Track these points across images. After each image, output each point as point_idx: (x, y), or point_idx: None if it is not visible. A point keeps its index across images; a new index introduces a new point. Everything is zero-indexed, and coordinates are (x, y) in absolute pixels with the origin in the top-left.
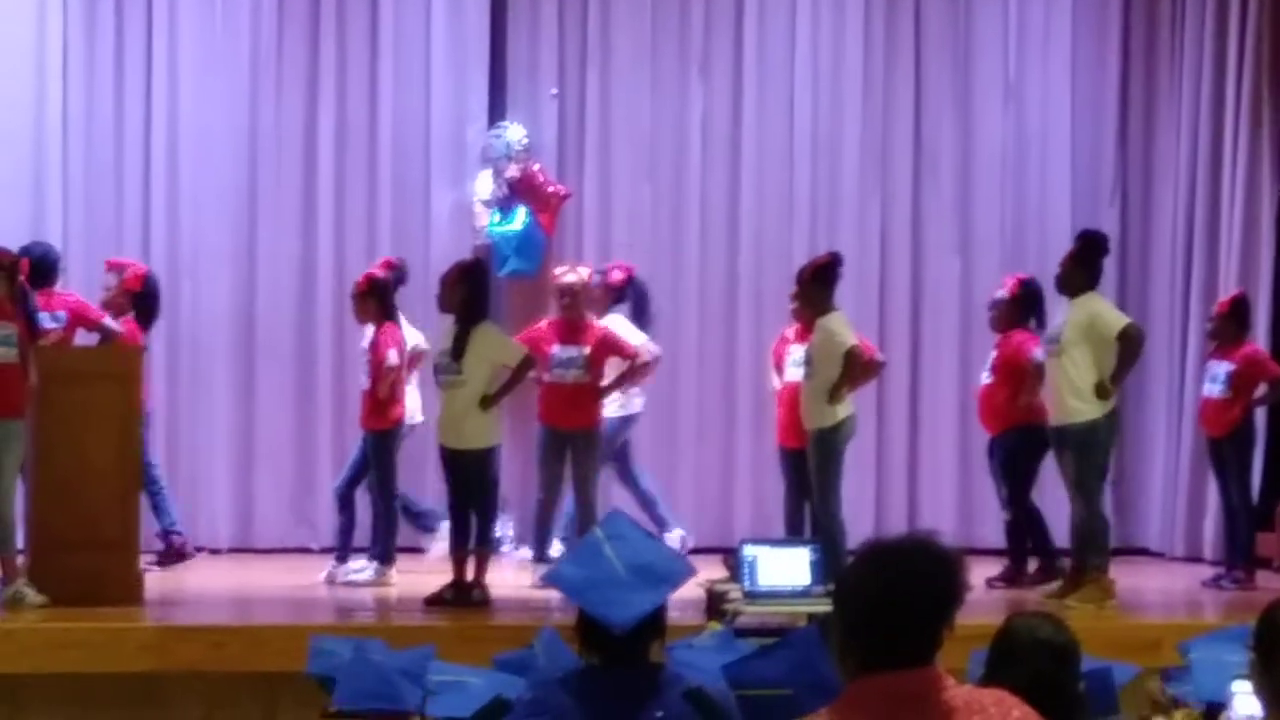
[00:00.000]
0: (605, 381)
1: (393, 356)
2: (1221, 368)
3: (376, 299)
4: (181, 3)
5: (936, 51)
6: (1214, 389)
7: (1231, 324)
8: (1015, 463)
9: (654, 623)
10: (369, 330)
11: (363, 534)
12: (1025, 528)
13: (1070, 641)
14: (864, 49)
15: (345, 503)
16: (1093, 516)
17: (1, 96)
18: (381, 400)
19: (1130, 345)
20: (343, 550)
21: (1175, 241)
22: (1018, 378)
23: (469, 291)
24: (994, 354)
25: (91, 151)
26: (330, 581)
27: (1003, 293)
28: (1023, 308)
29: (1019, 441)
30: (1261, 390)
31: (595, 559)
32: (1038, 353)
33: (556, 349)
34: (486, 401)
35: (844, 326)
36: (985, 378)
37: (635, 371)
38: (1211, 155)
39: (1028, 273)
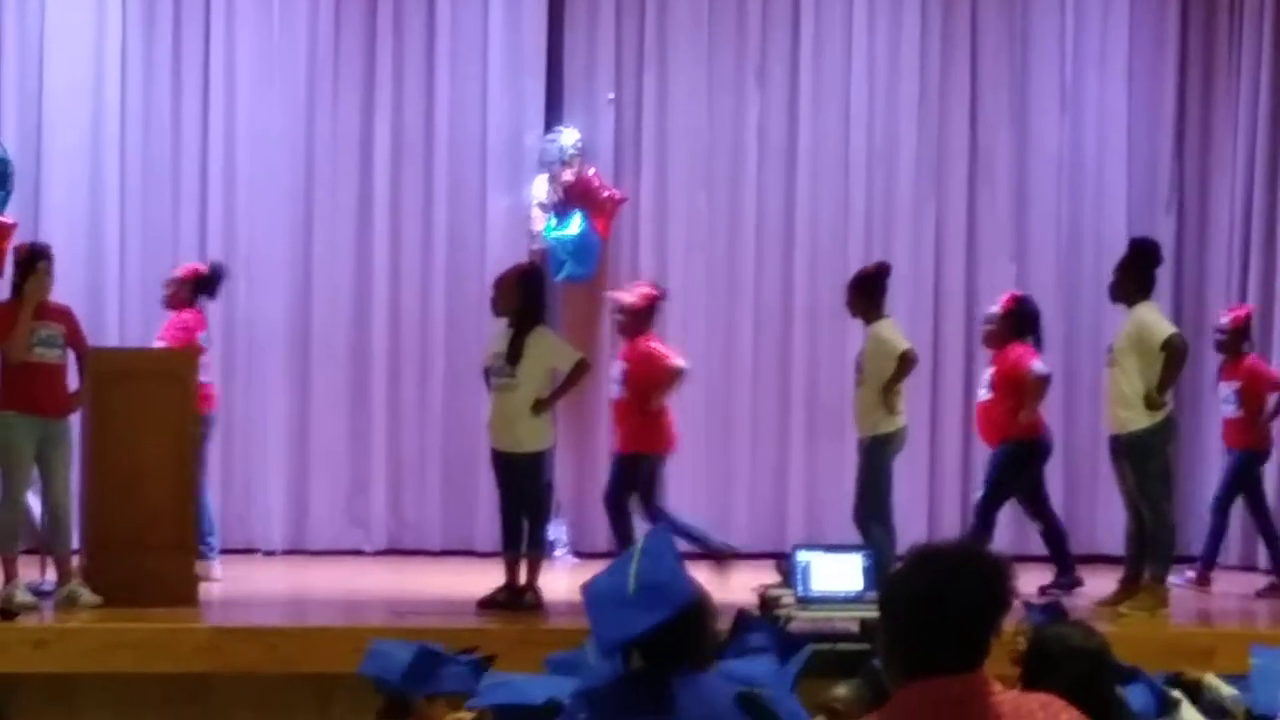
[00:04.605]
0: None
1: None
2: (1230, 387)
3: (532, 291)
4: (239, 8)
5: (993, 58)
6: (1227, 409)
7: (1236, 340)
8: (1002, 475)
9: (693, 630)
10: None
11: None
12: (1050, 535)
13: (1101, 646)
14: (920, 56)
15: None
16: (1159, 524)
17: (60, 101)
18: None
19: (1173, 355)
20: None
21: (1231, 249)
22: (1018, 391)
23: (525, 295)
24: (991, 369)
25: (149, 155)
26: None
27: (995, 309)
28: (1017, 323)
29: (1006, 455)
30: (1272, 402)
31: (621, 572)
32: (1036, 365)
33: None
34: (539, 406)
35: (895, 332)
36: (984, 394)
37: None
38: (1269, 163)
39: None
